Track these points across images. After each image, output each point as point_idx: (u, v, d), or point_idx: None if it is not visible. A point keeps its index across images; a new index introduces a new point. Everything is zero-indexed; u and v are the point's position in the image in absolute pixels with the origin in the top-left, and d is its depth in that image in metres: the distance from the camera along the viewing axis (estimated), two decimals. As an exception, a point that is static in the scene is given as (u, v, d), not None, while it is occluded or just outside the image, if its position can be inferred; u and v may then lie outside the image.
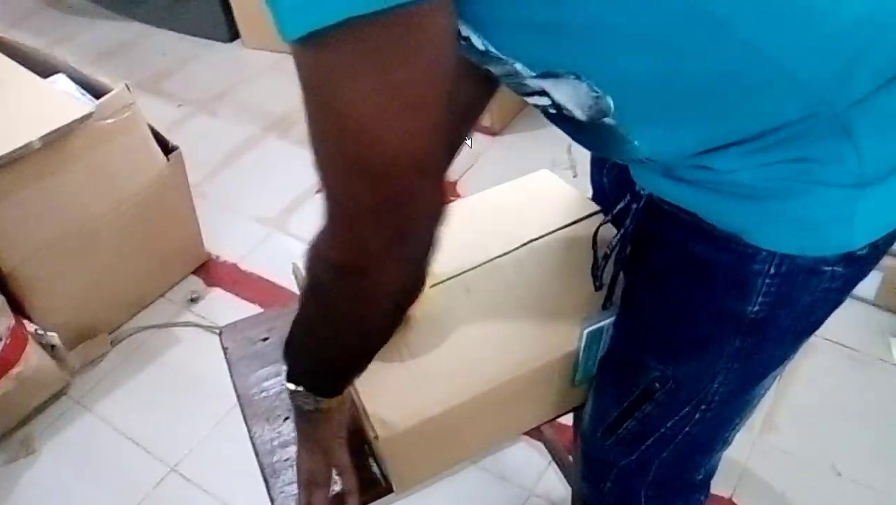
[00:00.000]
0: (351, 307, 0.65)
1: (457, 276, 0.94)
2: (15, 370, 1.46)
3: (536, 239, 0.99)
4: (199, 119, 2.44)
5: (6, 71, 1.62)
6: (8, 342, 1.45)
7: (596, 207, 1.02)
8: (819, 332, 0.76)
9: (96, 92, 1.64)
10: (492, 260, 0.96)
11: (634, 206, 0.78)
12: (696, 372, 0.77)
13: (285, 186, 2.15)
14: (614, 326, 0.87)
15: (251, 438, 0.95)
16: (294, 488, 0.89)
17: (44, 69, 1.70)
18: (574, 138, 0.74)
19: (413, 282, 0.65)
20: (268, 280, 1.89)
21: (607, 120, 0.63)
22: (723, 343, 0.74)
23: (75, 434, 1.59)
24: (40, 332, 1.57)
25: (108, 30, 2.92)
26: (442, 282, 0.93)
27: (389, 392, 0.83)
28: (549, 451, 1.39)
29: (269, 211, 2.08)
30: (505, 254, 0.97)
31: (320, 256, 0.63)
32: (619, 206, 0.83)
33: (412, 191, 0.56)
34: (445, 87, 0.53)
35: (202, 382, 1.65)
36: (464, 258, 0.96)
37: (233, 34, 2.77)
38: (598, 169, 0.97)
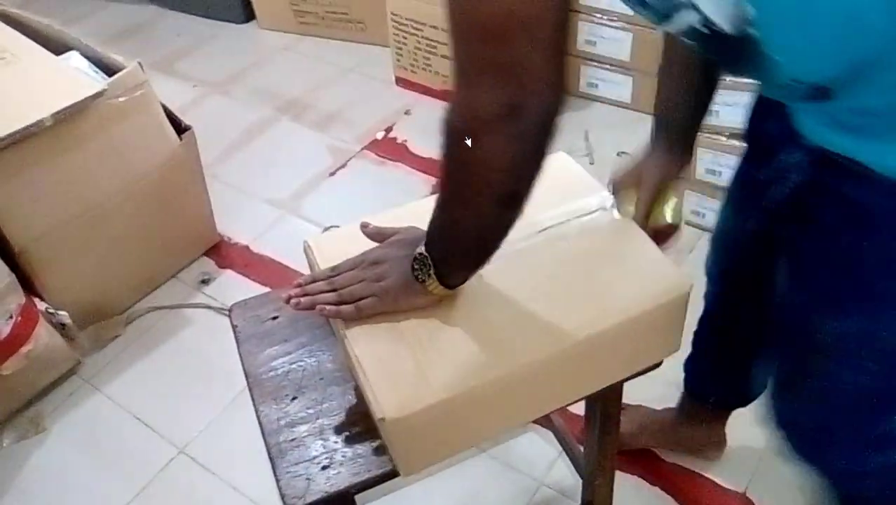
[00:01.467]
0: (464, 178, 0.69)
1: None
2: (25, 348, 1.46)
3: (552, 227, 0.96)
4: (214, 100, 2.43)
5: (19, 47, 1.61)
6: (19, 320, 1.45)
7: (609, 197, 1.00)
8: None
9: (109, 70, 1.63)
10: (506, 246, 0.93)
11: (798, 158, 0.80)
12: (868, 323, 0.79)
13: (298, 169, 2.14)
14: (781, 288, 0.89)
15: (258, 416, 0.94)
16: (299, 469, 0.88)
17: (57, 46, 1.69)
18: (723, 63, 0.78)
19: (525, 165, 0.66)
20: (279, 262, 1.88)
21: (751, 31, 0.64)
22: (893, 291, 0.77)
23: (85, 414, 1.59)
24: (51, 310, 1.56)
25: (124, 11, 2.90)
26: None
27: (397, 375, 0.82)
28: (559, 440, 1.37)
29: (282, 193, 2.07)
30: (520, 240, 0.94)
31: (444, 122, 0.66)
32: (781, 159, 0.83)
33: (521, 58, 0.59)
34: None
35: (212, 363, 1.64)
36: None
37: (248, 15, 2.75)
38: (760, 119, 0.95)
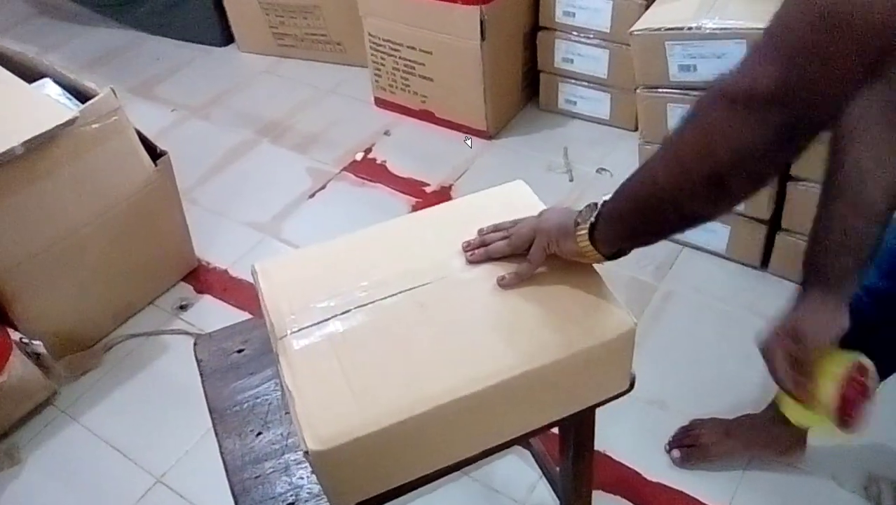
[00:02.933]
0: (696, 140, 0.67)
1: (409, 290, 0.90)
2: (-2, 380, 1.44)
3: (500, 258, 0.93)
4: (193, 123, 2.42)
5: (-10, 76, 1.60)
6: (-9, 352, 1.43)
7: None
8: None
9: (83, 97, 1.62)
10: (450, 275, 0.92)
11: None
12: None
13: (278, 192, 2.13)
14: None
15: (221, 453, 0.93)
16: (263, 507, 0.87)
17: (31, 74, 1.68)
18: None
19: (754, 159, 0.65)
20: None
21: None
22: None
23: (61, 444, 1.56)
24: (25, 340, 1.55)
25: (102, 36, 2.90)
26: (393, 295, 0.89)
27: (328, 406, 0.79)
28: (538, 463, 1.35)
29: (262, 216, 2.06)
30: (465, 270, 0.92)
31: (715, 83, 0.65)
32: None
33: (838, 74, 0.59)
34: None
35: (190, 391, 1.59)
36: (422, 271, 0.92)
37: (227, 38, 2.74)
38: None
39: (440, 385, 0.80)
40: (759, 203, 1.66)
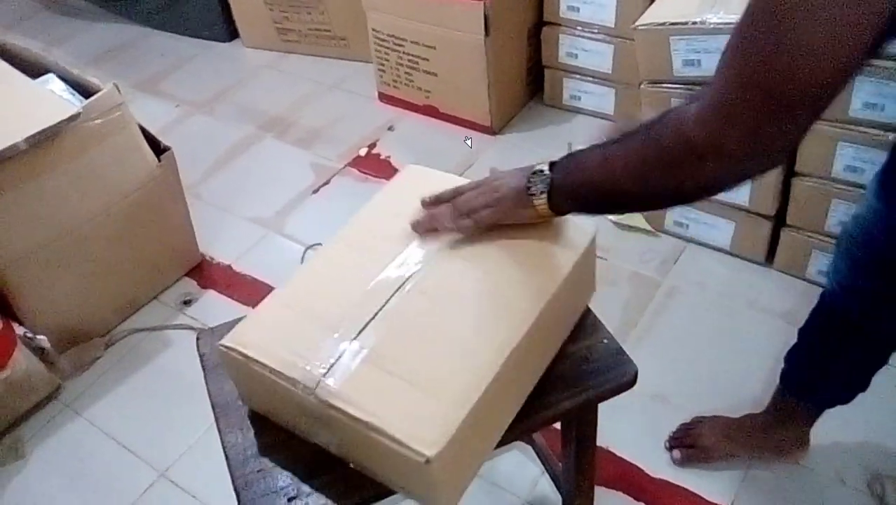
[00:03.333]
0: (659, 172, 0.74)
1: (401, 287, 0.90)
2: (3, 374, 1.45)
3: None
4: (197, 119, 2.43)
5: (-6, 72, 1.60)
6: (-5, 346, 1.44)
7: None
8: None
9: (87, 92, 1.63)
10: (427, 260, 0.93)
11: None
12: None
13: (282, 187, 2.13)
14: None
15: (224, 447, 0.93)
16: (265, 501, 0.87)
17: (35, 69, 1.69)
18: None
19: (714, 192, 0.75)
20: (262, 282, 1.87)
21: None
22: None
23: (65, 439, 1.57)
24: (29, 335, 1.55)
25: (107, 32, 2.91)
26: (390, 298, 0.89)
27: (412, 413, 0.78)
28: (540, 458, 1.35)
29: (265, 212, 2.06)
30: (442, 249, 0.94)
31: (680, 122, 0.70)
32: None
33: (796, 122, 0.65)
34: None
35: (194, 386, 1.59)
36: (399, 270, 0.92)
37: (232, 34, 2.75)
38: None
39: (488, 350, 0.83)
40: (765, 199, 1.65)
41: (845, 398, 1.27)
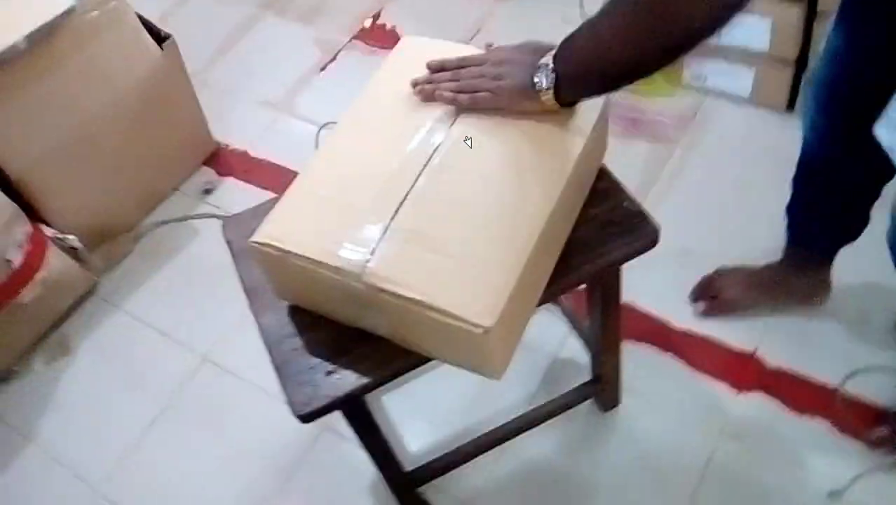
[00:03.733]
0: (645, 20, 0.72)
1: (426, 167, 0.90)
2: (39, 275, 1.49)
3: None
4: (195, 2, 2.34)
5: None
6: (29, 248, 1.47)
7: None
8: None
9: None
10: (453, 132, 0.92)
11: None
12: None
13: (288, 67, 2.09)
14: None
15: (260, 328, 0.96)
16: (304, 377, 0.90)
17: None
18: None
19: (705, 30, 0.71)
20: (280, 165, 1.87)
21: None
22: None
23: (108, 332, 1.64)
24: (60, 236, 1.58)
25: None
26: (417, 179, 0.89)
27: (462, 288, 0.80)
28: (568, 318, 1.39)
29: (275, 94, 2.03)
30: (460, 122, 0.93)
31: None
32: None
33: None
34: None
35: (224, 270, 1.63)
36: (420, 147, 0.91)
37: None
38: None
39: (525, 218, 0.85)
40: (786, 43, 1.59)
41: (849, 238, 1.29)
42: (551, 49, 0.85)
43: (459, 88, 0.92)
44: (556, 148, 0.91)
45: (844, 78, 1.07)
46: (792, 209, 1.33)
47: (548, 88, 0.86)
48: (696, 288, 1.47)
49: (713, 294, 1.44)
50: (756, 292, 1.41)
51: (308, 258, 0.85)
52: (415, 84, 0.96)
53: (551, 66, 0.84)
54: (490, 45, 0.96)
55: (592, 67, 0.82)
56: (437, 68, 0.96)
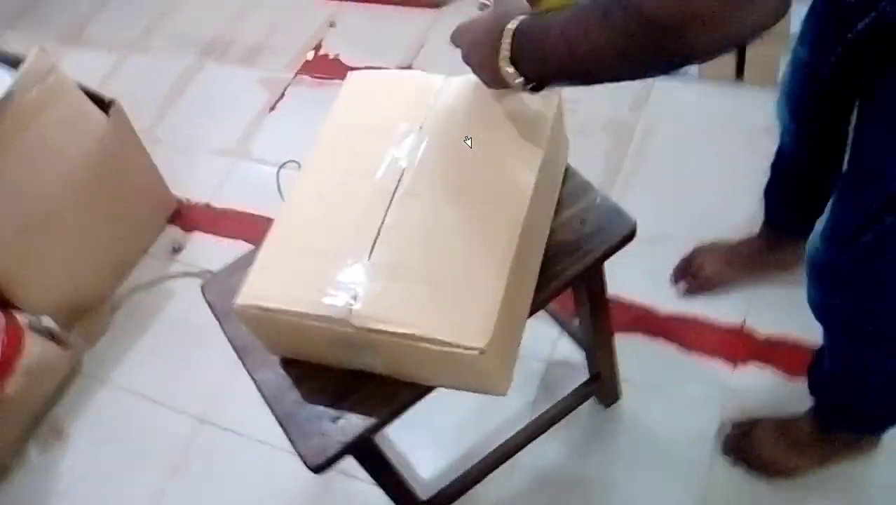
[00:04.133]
0: (643, 51, 0.65)
1: (396, 188, 0.90)
2: (19, 364, 1.46)
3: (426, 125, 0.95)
4: (133, 60, 2.32)
5: (-89, 64, 1.52)
6: (4, 339, 1.44)
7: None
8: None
9: (13, 62, 1.55)
10: (412, 160, 0.92)
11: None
12: None
13: (238, 111, 2.07)
14: (858, 133, 0.88)
15: (257, 386, 0.95)
16: (311, 428, 0.89)
17: (-49, 52, 1.59)
18: None
19: (713, 55, 0.66)
20: (244, 212, 1.85)
21: None
22: None
23: (100, 408, 1.60)
24: (34, 319, 1.55)
25: (12, -13, 2.72)
26: (390, 203, 0.89)
27: (453, 312, 0.80)
28: (556, 320, 1.39)
29: (228, 141, 2.02)
30: (417, 149, 0.93)
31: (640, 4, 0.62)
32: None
33: None
34: None
35: (206, 327, 1.60)
36: (388, 172, 0.92)
37: (142, -41, 2.58)
38: None
39: (500, 232, 0.85)
40: (724, 15, 1.62)
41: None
42: (502, 43, 0.78)
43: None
44: (519, 156, 0.91)
45: (809, 87, 1.09)
46: (768, 194, 1.36)
47: (521, 86, 0.81)
48: (676, 269, 1.49)
49: (693, 273, 1.46)
50: (735, 267, 1.43)
51: (293, 312, 0.84)
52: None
53: (512, 70, 0.79)
54: (483, 6, 0.90)
55: (567, 74, 0.77)
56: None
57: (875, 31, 0.81)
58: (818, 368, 1.16)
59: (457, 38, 0.90)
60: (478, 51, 0.85)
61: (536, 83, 0.81)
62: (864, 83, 0.86)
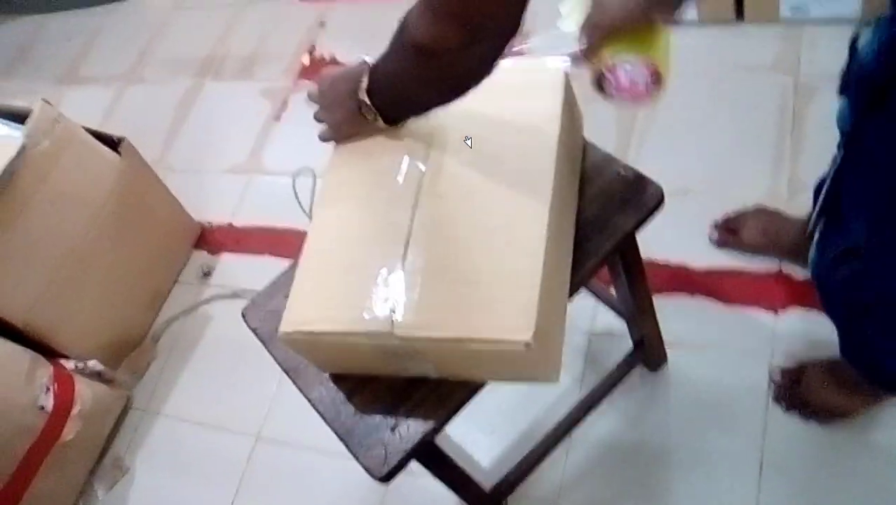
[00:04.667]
0: (420, 71, 0.78)
1: (418, 192, 0.90)
2: (74, 411, 1.49)
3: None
4: (132, 92, 2.33)
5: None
6: (56, 388, 1.47)
7: None
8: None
9: (18, 117, 1.55)
10: (430, 161, 0.93)
11: None
12: None
13: (244, 126, 2.08)
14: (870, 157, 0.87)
15: (313, 405, 0.96)
16: (371, 439, 0.91)
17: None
18: None
19: (476, 75, 0.78)
20: (266, 226, 1.86)
21: None
22: None
23: (157, 439, 1.63)
24: (80, 365, 1.58)
25: (1, 35, 2.73)
26: (415, 208, 0.89)
27: (487, 309, 0.81)
28: (592, 291, 1.39)
29: (240, 157, 2.02)
30: (433, 150, 0.94)
31: (406, 28, 0.76)
32: None
33: (486, 8, 0.69)
34: None
35: (249, 346, 1.62)
36: (408, 176, 0.92)
37: (125, -11, 2.58)
38: None
39: (529, 221, 0.85)
40: (717, -42, 1.59)
41: None
42: (362, 79, 0.88)
43: (318, 120, 0.99)
44: (535, 141, 0.91)
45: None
46: (819, 184, 1.22)
47: (376, 118, 0.91)
48: (723, 217, 1.46)
49: (733, 227, 1.43)
50: (772, 242, 1.39)
51: (337, 332, 0.85)
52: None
53: (368, 101, 0.88)
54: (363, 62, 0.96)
55: (404, 102, 0.88)
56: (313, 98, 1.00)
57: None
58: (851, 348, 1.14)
59: (314, 93, 0.98)
60: (337, 87, 0.93)
61: (389, 116, 0.91)
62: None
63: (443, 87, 0.81)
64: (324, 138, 1.00)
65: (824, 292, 1.08)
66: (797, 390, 1.26)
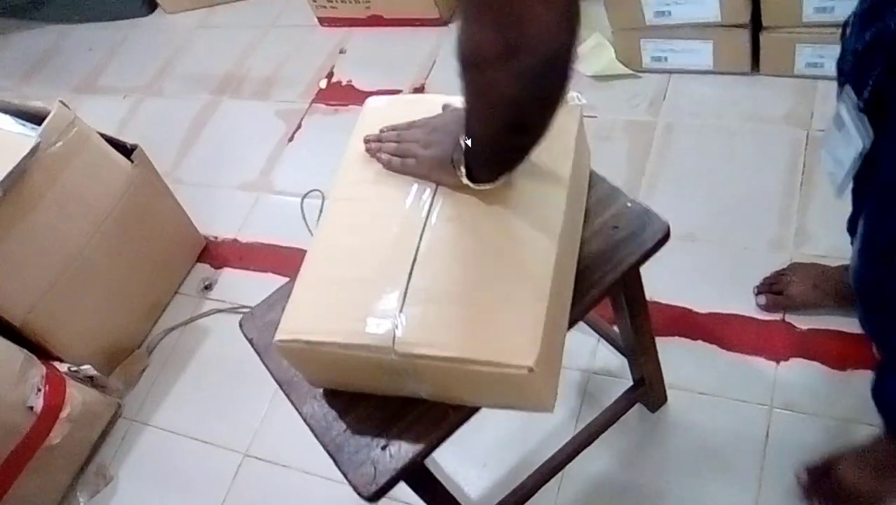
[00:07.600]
0: (477, 101, 0.73)
1: (426, 219, 0.90)
2: (63, 414, 1.47)
3: None
4: (149, 104, 2.35)
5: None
6: (47, 390, 1.45)
7: None
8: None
9: (36, 117, 1.57)
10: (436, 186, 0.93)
11: None
12: None
13: (257, 145, 2.09)
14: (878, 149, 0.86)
15: (304, 419, 0.95)
16: (360, 457, 0.89)
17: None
18: None
19: (530, 100, 0.70)
20: (271, 244, 1.86)
21: None
22: None
23: (144, 450, 1.61)
24: (74, 368, 1.57)
25: (25, 42, 2.78)
26: (424, 228, 0.89)
27: (491, 331, 0.81)
28: (593, 328, 1.38)
29: (250, 175, 2.03)
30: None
31: (455, 49, 0.68)
32: None
33: (520, 3, 0.61)
34: None
35: (244, 362, 1.60)
36: (420, 197, 0.92)
37: (151, 5, 2.63)
38: None
39: (537, 249, 0.85)
40: (735, 7, 1.61)
41: None
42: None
43: (394, 151, 0.94)
44: (548, 170, 0.91)
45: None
46: (852, 224, 1.21)
47: (462, 166, 0.85)
48: (764, 280, 1.42)
49: (779, 289, 1.39)
50: (822, 292, 1.35)
51: (336, 343, 0.84)
52: (366, 141, 0.97)
53: (463, 146, 0.83)
54: (446, 106, 0.95)
55: (478, 150, 0.81)
56: (390, 128, 0.97)
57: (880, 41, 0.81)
58: (881, 386, 1.08)
59: (413, 123, 0.95)
60: (449, 127, 0.88)
61: (471, 168, 0.85)
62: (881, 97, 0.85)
63: (495, 116, 0.73)
64: (394, 168, 0.94)
65: (872, 293, 0.99)
66: (827, 485, 1.19)
